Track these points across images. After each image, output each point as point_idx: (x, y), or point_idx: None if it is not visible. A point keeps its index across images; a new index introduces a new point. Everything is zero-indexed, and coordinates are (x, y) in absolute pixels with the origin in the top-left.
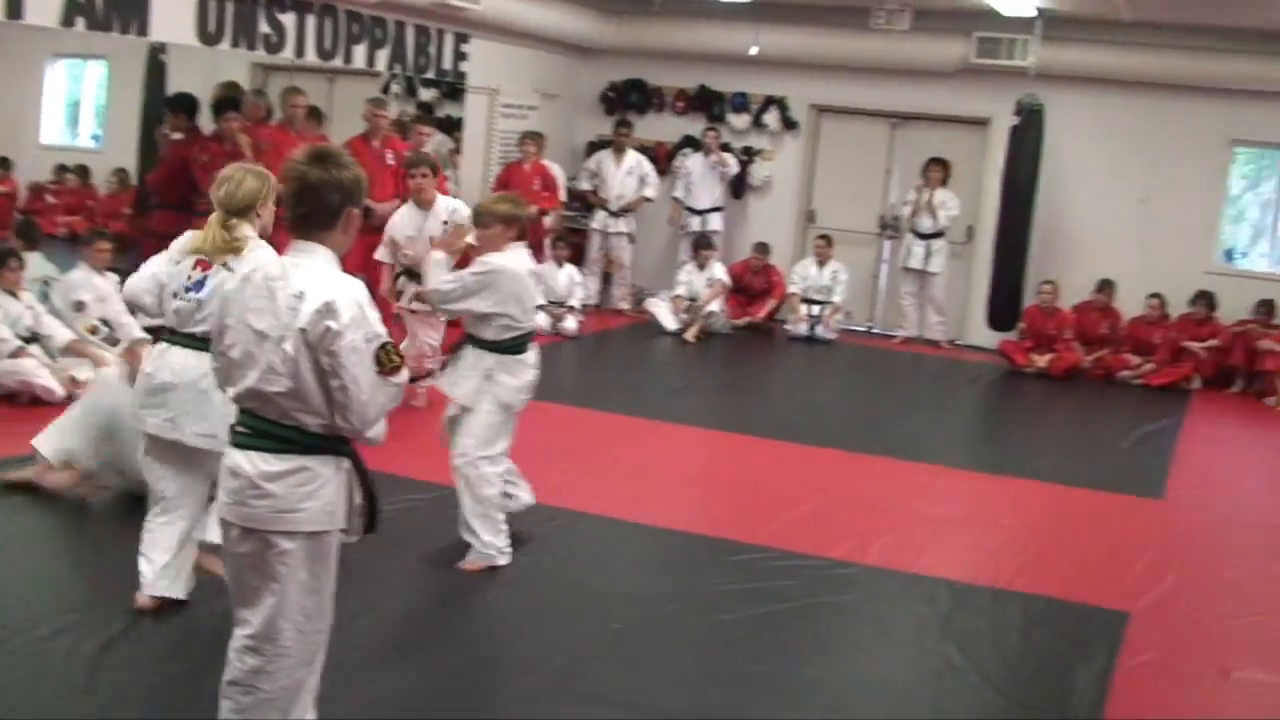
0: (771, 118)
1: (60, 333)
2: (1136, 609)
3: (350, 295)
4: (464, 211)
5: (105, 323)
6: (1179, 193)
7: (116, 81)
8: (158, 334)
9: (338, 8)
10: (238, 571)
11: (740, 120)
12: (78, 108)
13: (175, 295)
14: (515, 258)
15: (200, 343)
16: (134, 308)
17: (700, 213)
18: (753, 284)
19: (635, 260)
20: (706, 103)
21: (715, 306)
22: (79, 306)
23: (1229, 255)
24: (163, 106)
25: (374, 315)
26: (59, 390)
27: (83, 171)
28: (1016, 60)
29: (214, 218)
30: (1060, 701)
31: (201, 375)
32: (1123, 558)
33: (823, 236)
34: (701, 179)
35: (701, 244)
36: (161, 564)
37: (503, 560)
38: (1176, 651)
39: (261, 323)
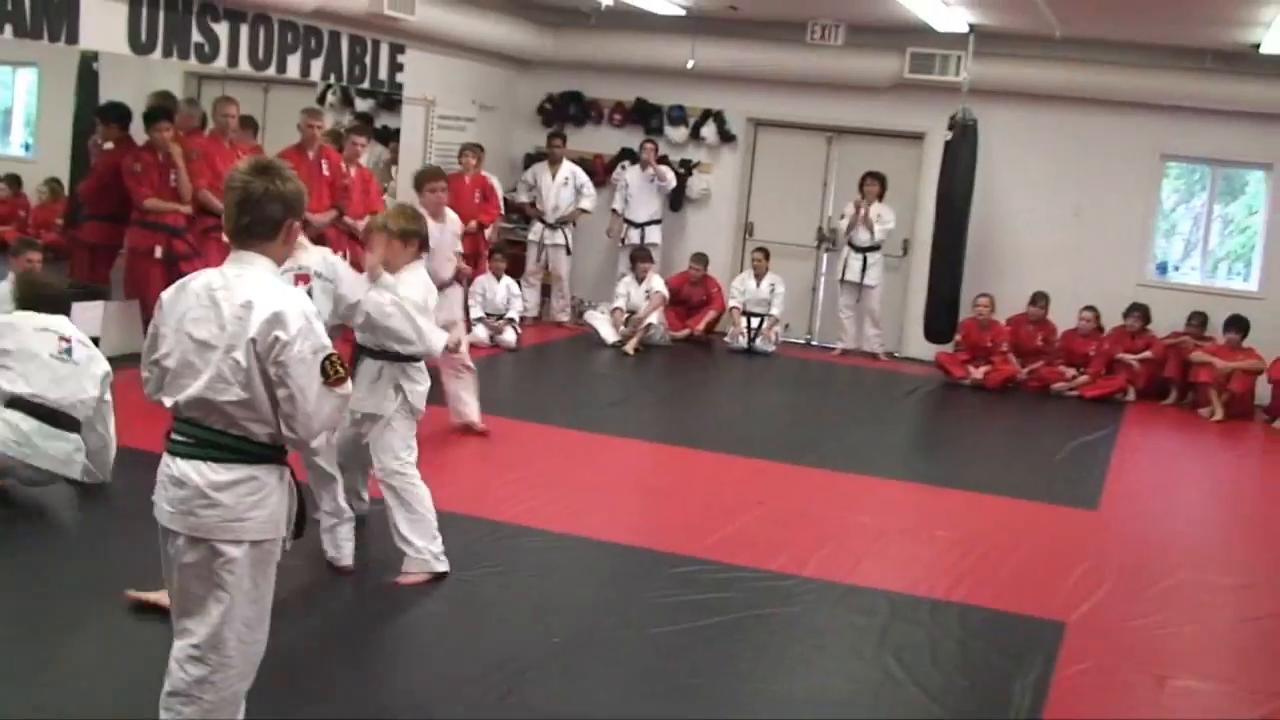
0: (709, 131)
1: None
2: (1072, 619)
3: (298, 306)
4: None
5: None
6: (1112, 206)
7: (48, 89)
8: None
9: (272, 17)
10: (183, 582)
11: (678, 133)
12: (8, 115)
13: None
14: (413, 279)
15: None
16: None
17: (639, 225)
18: (692, 295)
19: (574, 272)
20: (644, 115)
21: (654, 319)
22: None
23: (1162, 269)
24: (94, 116)
25: (320, 327)
26: None
27: (14, 180)
28: (950, 75)
29: None
30: (997, 712)
31: None
32: (1058, 568)
33: (760, 249)
34: (639, 191)
35: (639, 256)
36: None
37: (441, 566)
38: (1112, 660)
39: (203, 332)
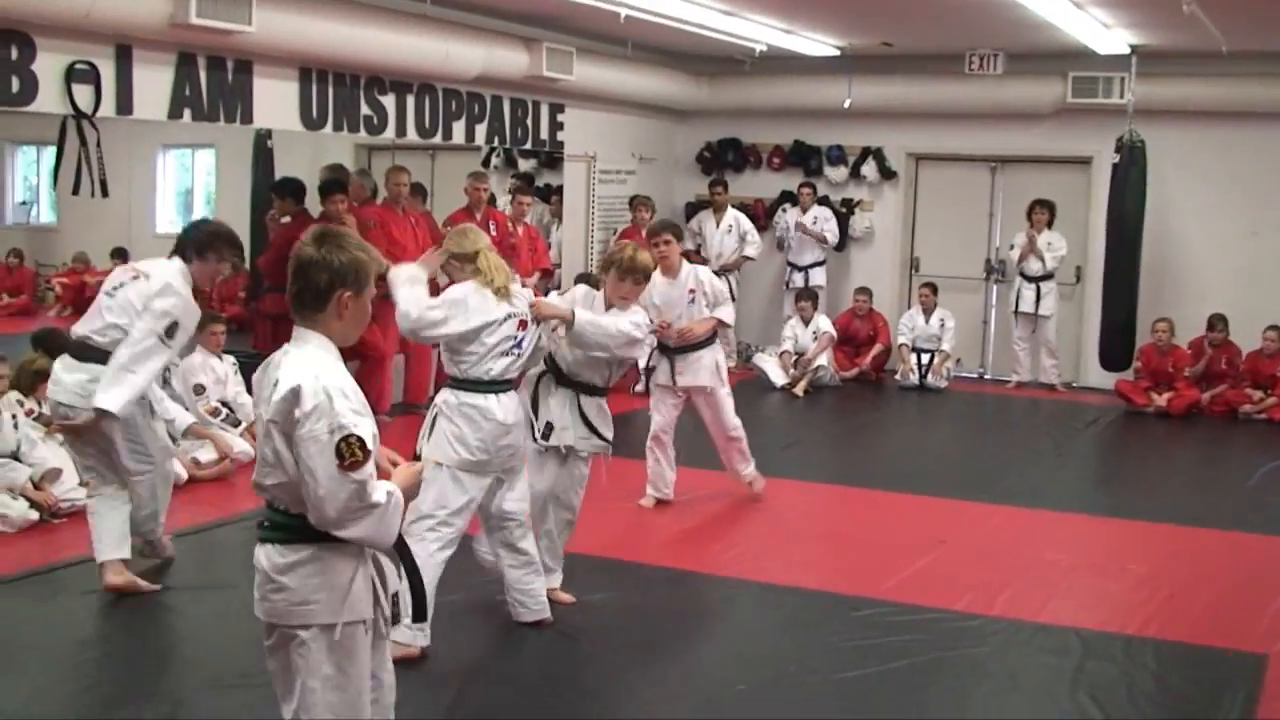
0: (869, 168)
1: (182, 416)
2: (1275, 650)
3: (319, 381)
4: (709, 278)
5: (224, 404)
6: None
7: (224, 168)
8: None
9: (436, 86)
10: (272, 666)
11: (837, 173)
12: (190, 195)
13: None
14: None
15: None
16: None
17: (802, 268)
18: (859, 332)
19: (739, 317)
20: (803, 157)
21: (823, 360)
22: (199, 390)
23: None
24: (270, 191)
25: (344, 405)
26: (183, 473)
27: None
28: (1114, 98)
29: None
30: None
31: None
32: (1256, 598)
33: (927, 284)
34: (801, 235)
35: (803, 297)
36: None
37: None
38: None
39: (264, 411)
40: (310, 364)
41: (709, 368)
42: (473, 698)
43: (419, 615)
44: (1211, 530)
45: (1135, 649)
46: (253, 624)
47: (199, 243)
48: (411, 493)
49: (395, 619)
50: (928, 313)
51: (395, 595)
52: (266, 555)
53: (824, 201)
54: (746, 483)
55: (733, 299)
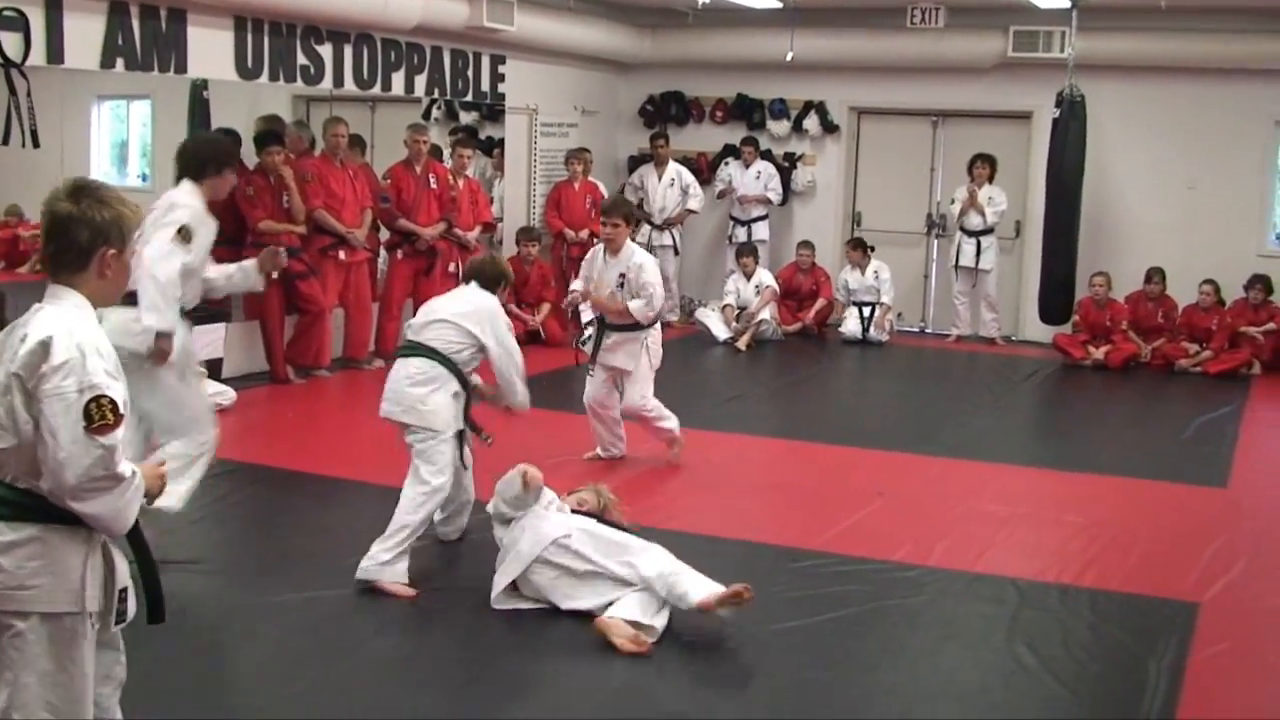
0: (811, 122)
1: None
2: (1206, 599)
3: (73, 338)
4: (641, 270)
5: None
6: (1227, 176)
7: (161, 120)
8: None
9: (374, 36)
10: None
11: (780, 126)
12: (125, 147)
13: None
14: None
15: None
16: None
17: (745, 222)
18: (801, 286)
19: (682, 271)
20: (746, 110)
21: (766, 314)
22: None
23: None
24: None
25: (97, 364)
26: None
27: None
28: (1055, 52)
29: None
30: (1133, 696)
31: None
32: (1190, 548)
33: (850, 242)
34: (743, 188)
35: (745, 252)
36: None
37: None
38: (1250, 640)
39: (7, 368)
40: (65, 319)
41: (629, 351)
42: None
43: (155, 616)
44: (1147, 481)
45: (1071, 598)
46: (190, 578)
47: (195, 167)
48: (149, 487)
49: (121, 617)
50: (860, 269)
51: (123, 591)
52: None
53: (766, 156)
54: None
55: (676, 253)
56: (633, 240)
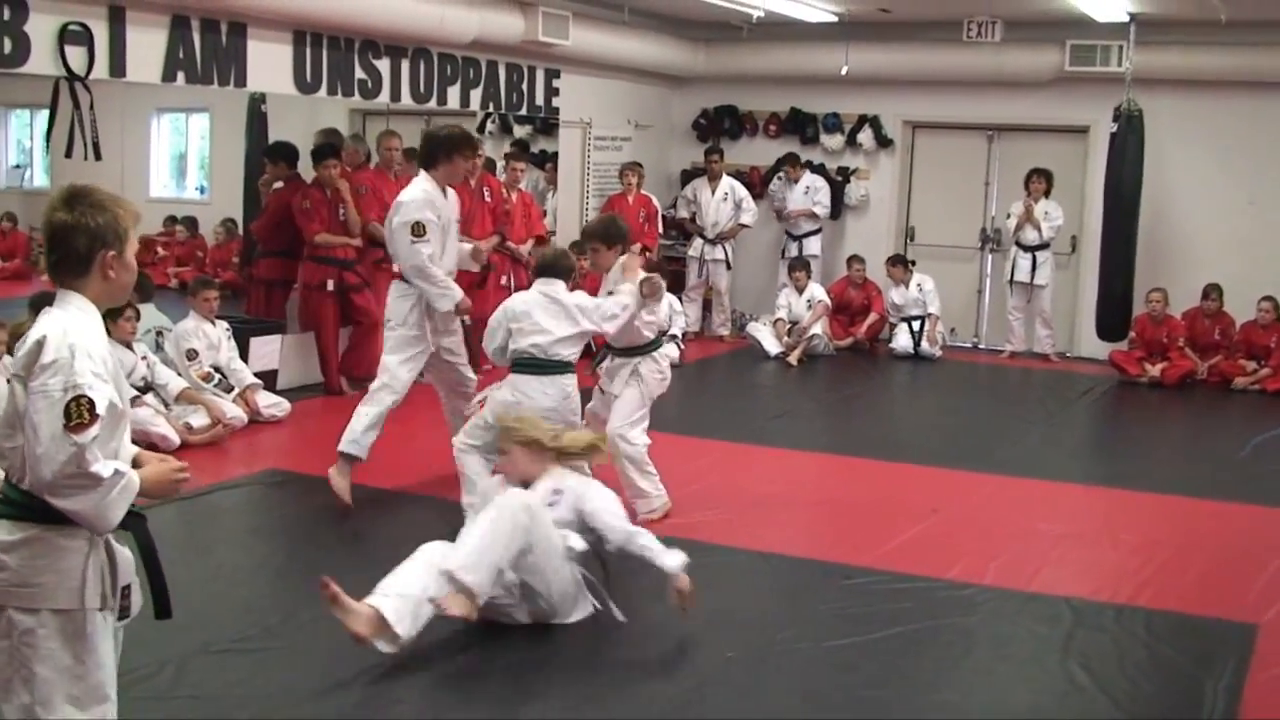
0: (865, 136)
1: (174, 381)
2: (1265, 620)
3: (67, 338)
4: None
5: (217, 369)
6: None
7: (219, 133)
8: None
9: (431, 50)
10: None
11: (833, 140)
12: (183, 160)
13: None
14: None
15: None
16: None
17: (798, 237)
18: (854, 300)
19: (734, 286)
20: (799, 124)
21: (817, 329)
22: (191, 355)
23: None
24: (263, 156)
25: (85, 365)
26: (175, 438)
27: (191, 223)
28: (1112, 66)
29: None
30: (1189, 718)
31: None
32: (1247, 568)
33: (890, 260)
34: (795, 204)
35: (796, 266)
36: None
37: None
38: None
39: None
40: (64, 321)
41: (620, 376)
42: (447, 679)
43: (161, 611)
44: (1203, 500)
45: (1126, 618)
46: (246, 588)
47: (428, 154)
48: (158, 490)
49: (124, 613)
50: (904, 285)
51: (126, 588)
52: None
53: (819, 170)
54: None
55: (728, 268)
56: (686, 255)
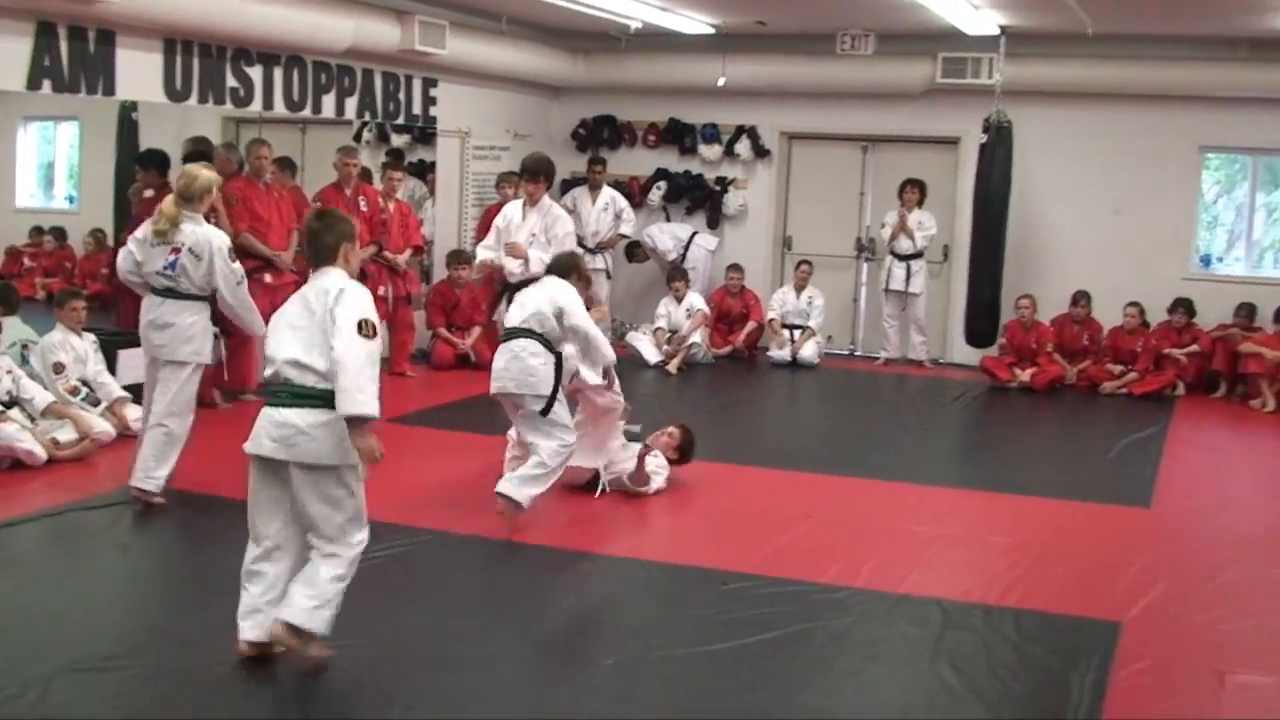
0: (743, 147)
1: (40, 395)
2: (1128, 618)
3: (351, 285)
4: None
5: (85, 383)
6: (1152, 201)
7: (89, 141)
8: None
9: (305, 58)
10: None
11: (711, 151)
12: (51, 169)
13: None
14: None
15: None
16: None
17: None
18: (732, 308)
19: (614, 295)
20: (678, 135)
21: (697, 337)
22: (58, 368)
23: (1206, 261)
24: (134, 164)
25: (367, 301)
26: (41, 454)
27: (59, 233)
28: (982, 78)
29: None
30: (1056, 715)
31: None
32: (1112, 568)
33: (805, 262)
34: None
35: (675, 276)
36: None
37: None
38: (1170, 658)
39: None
40: (344, 279)
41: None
42: (307, 687)
43: None
44: (1072, 502)
45: (995, 618)
46: (114, 606)
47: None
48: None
49: None
50: (799, 289)
51: None
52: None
53: (697, 180)
54: None
55: (608, 277)
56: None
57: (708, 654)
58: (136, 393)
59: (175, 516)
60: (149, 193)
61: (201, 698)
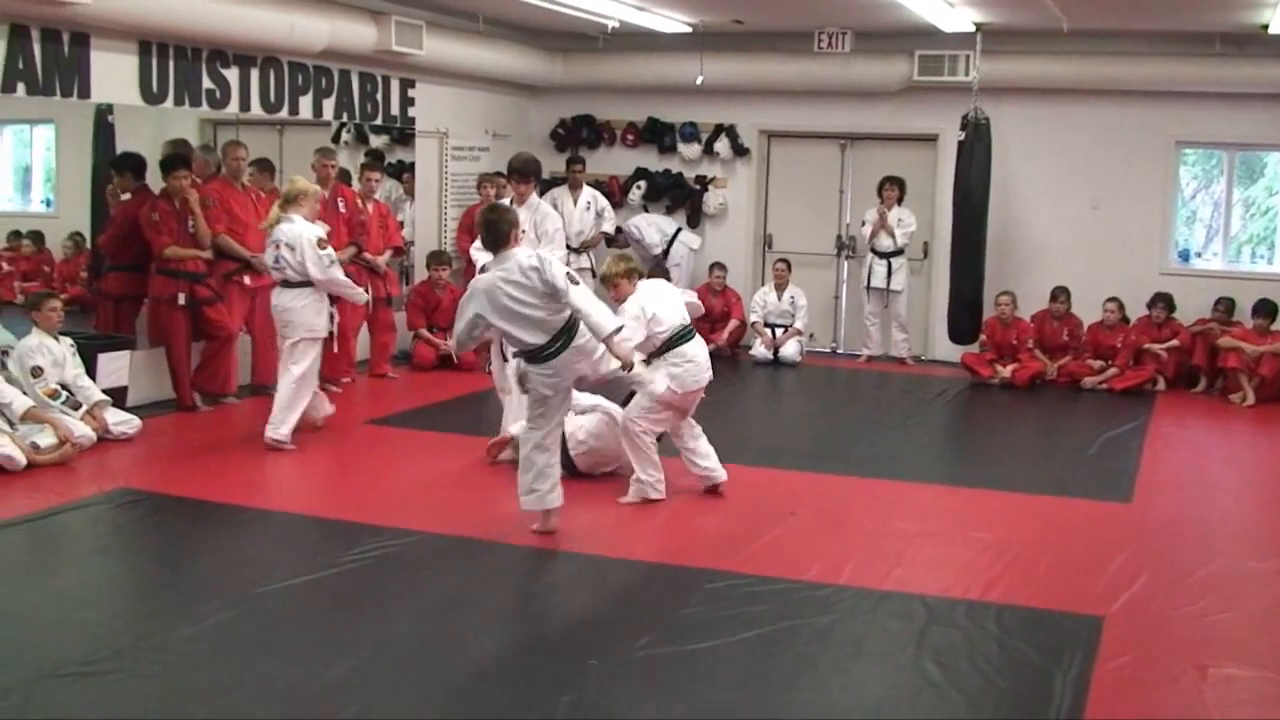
0: (722, 145)
1: (19, 400)
2: (1110, 613)
3: (540, 258)
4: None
5: (64, 387)
6: (1130, 196)
7: (65, 145)
8: None
9: (281, 60)
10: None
11: (691, 149)
12: (28, 173)
13: None
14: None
15: None
16: None
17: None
18: (713, 308)
19: (598, 293)
20: (657, 134)
21: None
22: (36, 372)
23: (1184, 256)
24: (110, 167)
25: (562, 269)
26: (20, 458)
27: (36, 237)
28: (960, 76)
29: None
30: (1039, 710)
31: None
32: (1094, 563)
33: (782, 261)
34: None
35: (658, 272)
36: None
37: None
38: (1152, 652)
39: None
40: (533, 255)
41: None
42: (293, 688)
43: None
44: (1053, 497)
45: (978, 614)
46: (96, 610)
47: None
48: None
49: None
50: (780, 289)
51: None
52: None
53: (678, 179)
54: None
55: (593, 275)
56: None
57: (693, 653)
58: (117, 396)
59: (156, 520)
60: (126, 196)
61: (183, 701)
